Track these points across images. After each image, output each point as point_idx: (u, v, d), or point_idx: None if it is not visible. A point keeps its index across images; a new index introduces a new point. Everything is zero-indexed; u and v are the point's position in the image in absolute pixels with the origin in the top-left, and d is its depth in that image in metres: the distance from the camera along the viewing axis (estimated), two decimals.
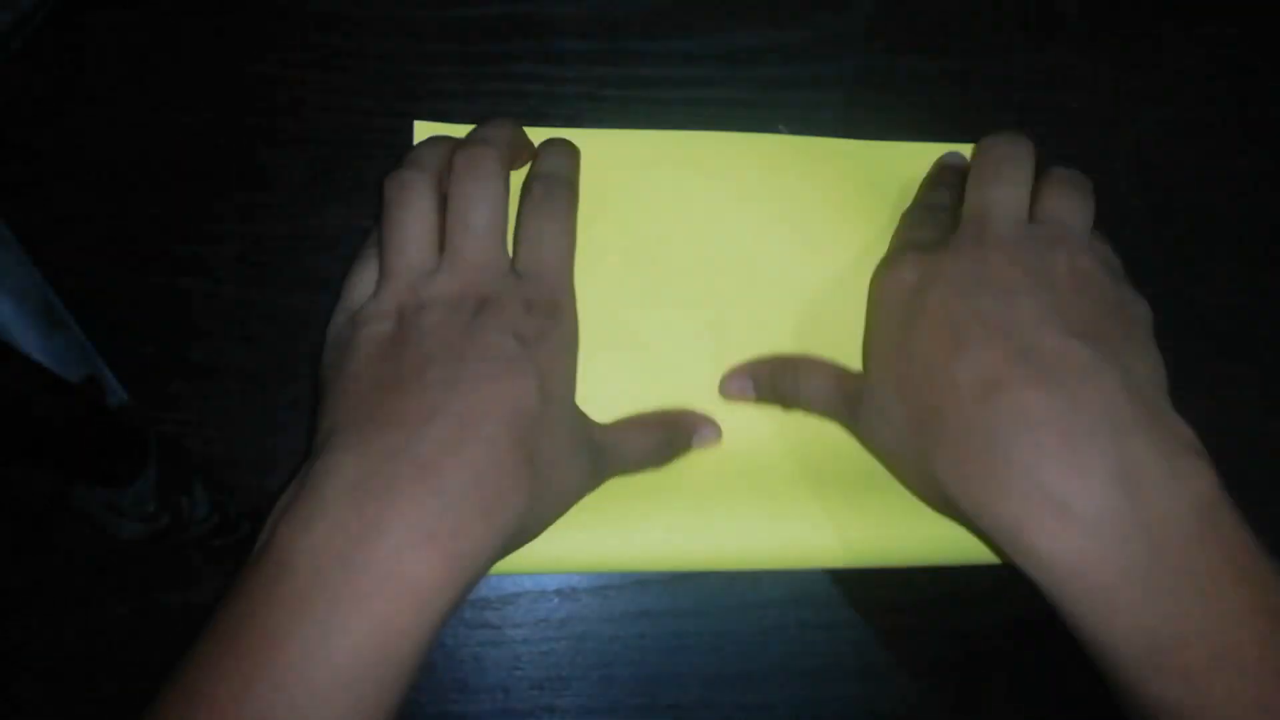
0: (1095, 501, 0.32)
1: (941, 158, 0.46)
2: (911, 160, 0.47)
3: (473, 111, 0.47)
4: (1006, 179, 0.40)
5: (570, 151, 0.43)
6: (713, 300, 0.45)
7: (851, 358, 0.43)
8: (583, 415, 0.39)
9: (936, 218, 0.43)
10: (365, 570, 0.31)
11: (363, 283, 0.40)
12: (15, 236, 0.44)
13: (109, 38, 0.46)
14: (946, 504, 0.36)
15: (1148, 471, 0.32)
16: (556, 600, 0.45)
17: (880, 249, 0.44)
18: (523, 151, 0.43)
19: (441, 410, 0.34)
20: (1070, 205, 0.40)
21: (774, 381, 0.43)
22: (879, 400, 0.39)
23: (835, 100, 0.48)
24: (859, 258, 0.45)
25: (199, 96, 0.46)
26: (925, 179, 0.46)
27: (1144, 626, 0.31)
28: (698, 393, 0.44)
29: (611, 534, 0.42)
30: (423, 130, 0.45)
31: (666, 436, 0.43)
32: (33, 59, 0.46)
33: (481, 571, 0.34)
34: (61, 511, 0.37)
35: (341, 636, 0.31)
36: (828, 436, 0.43)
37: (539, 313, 0.38)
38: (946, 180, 0.45)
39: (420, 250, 0.38)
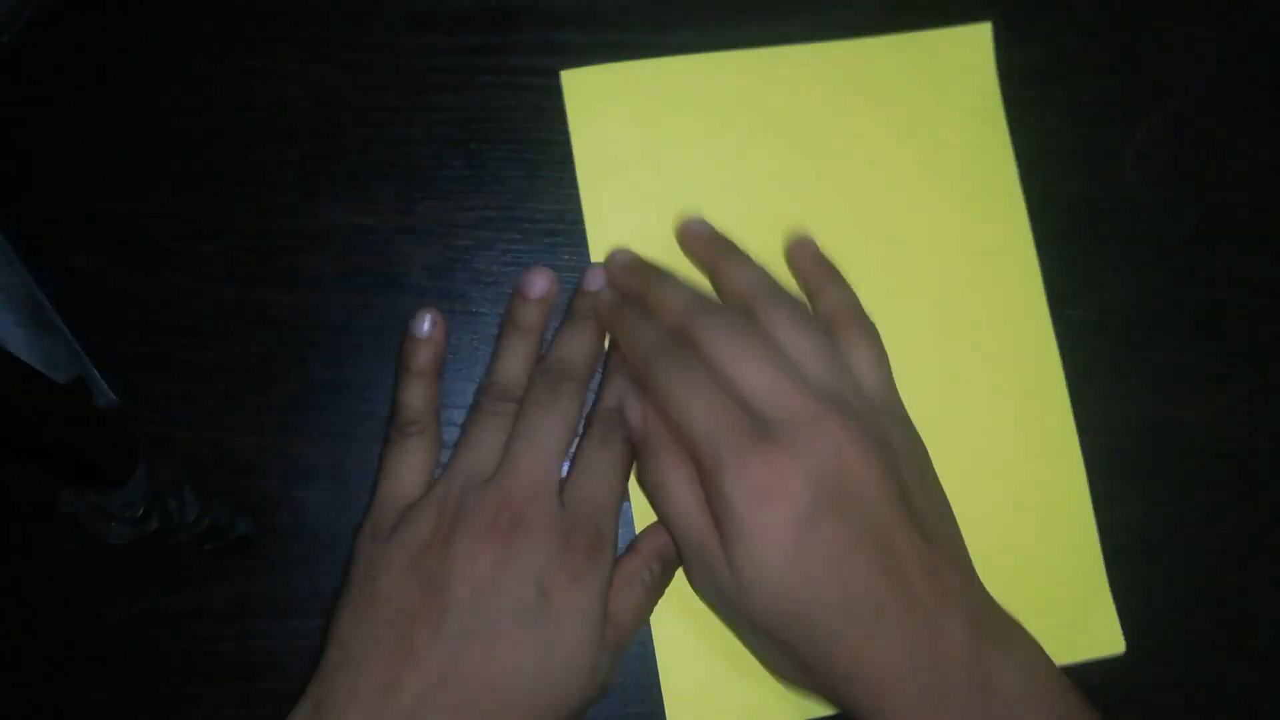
0: (947, 688, 0.36)
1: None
2: (925, 48, 0.48)
3: (468, 106, 0.46)
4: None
5: (636, 388, 0.43)
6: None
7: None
8: (598, 635, 0.39)
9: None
10: None
11: (407, 471, 0.42)
12: (2, 236, 0.44)
13: (97, 36, 0.46)
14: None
15: (986, 653, 0.36)
16: None
17: (903, 145, 0.46)
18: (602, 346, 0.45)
19: (448, 677, 0.36)
20: (833, 367, 0.40)
21: (646, 455, 0.42)
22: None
23: None
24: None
25: (189, 93, 0.46)
26: None
27: None
28: None
29: None
30: (570, 81, 0.46)
31: (666, 579, 0.43)
32: (19, 57, 0.45)
33: None
34: (51, 515, 0.37)
35: None
36: None
37: (576, 551, 0.38)
38: None
39: (484, 466, 0.40)
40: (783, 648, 0.38)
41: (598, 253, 0.46)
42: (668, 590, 0.43)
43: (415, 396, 0.42)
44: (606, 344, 0.45)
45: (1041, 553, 0.45)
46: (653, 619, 0.43)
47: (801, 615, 0.37)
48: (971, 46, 0.48)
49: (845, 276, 0.45)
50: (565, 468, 0.42)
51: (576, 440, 0.42)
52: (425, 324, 0.43)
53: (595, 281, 0.44)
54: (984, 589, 0.39)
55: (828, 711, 0.43)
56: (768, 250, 0.45)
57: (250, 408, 0.44)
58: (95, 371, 0.43)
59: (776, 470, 0.36)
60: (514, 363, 0.43)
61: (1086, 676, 0.41)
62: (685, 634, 0.43)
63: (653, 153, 0.47)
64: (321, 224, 0.45)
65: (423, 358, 0.43)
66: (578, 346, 0.43)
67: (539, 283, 0.44)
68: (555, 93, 0.47)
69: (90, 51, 0.46)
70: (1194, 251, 0.48)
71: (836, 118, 0.47)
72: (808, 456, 0.36)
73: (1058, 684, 0.37)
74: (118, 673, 0.43)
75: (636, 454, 0.42)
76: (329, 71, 0.46)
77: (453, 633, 0.37)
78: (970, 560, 0.40)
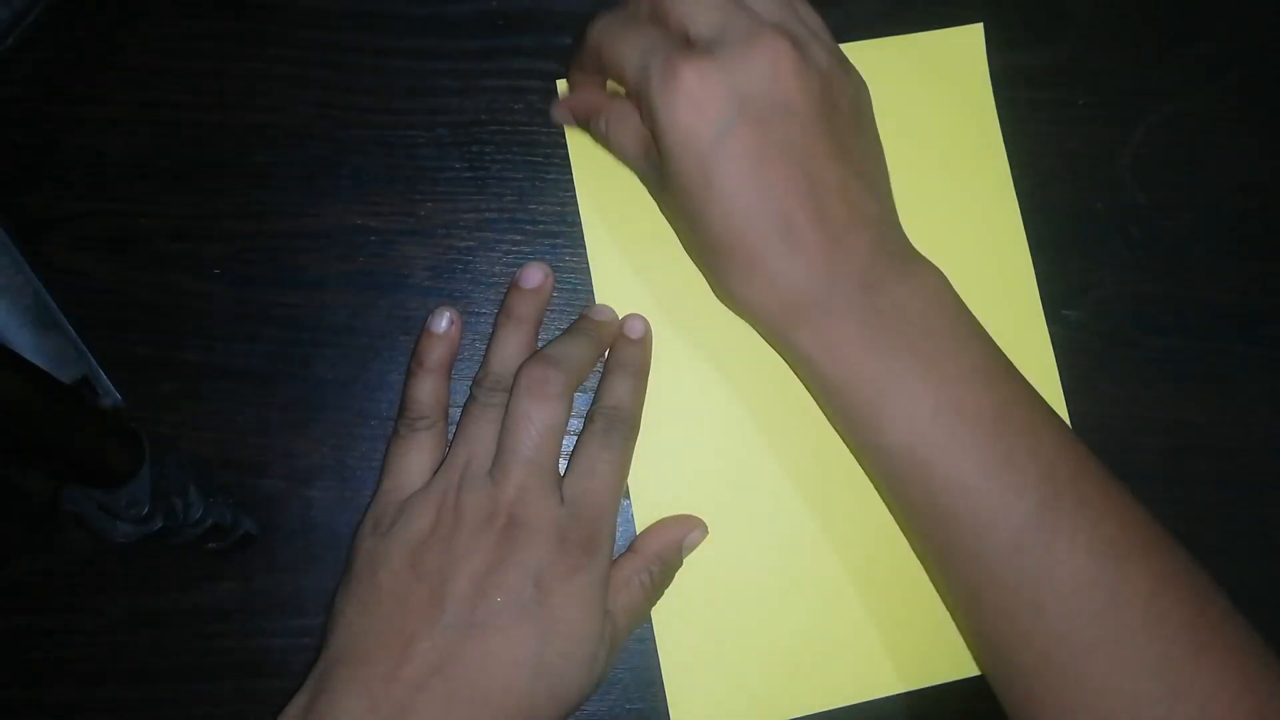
0: (843, 299, 0.38)
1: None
2: (917, 51, 0.48)
3: (470, 108, 0.46)
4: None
5: (638, 380, 0.44)
6: None
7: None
8: (596, 631, 0.39)
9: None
10: None
11: (412, 466, 0.42)
12: (9, 236, 0.44)
13: (103, 36, 0.46)
14: (719, 288, 0.41)
15: (886, 276, 0.38)
16: None
17: (896, 146, 0.45)
18: (597, 360, 0.45)
19: (446, 667, 0.37)
20: (808, 19, 0.40)
21: (591, 121, 0.43)
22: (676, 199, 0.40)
23: None
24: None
25: (195, 95, 0.46)
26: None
27: (876, 383, 0.38)
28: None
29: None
30: (566, 88, 0.46)
31: (665, 581, 0.43)
32: (26, 57, 0.45)
33: None
34: (56, 514, 0.37)
35: None
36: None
37: (573, 548, 0.39)
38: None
39: (481, 459, 0.41)
40: (708, 259, 0.40)
41: (596, 254, 0.46)
42: (670, 585, 0.43)
43: (425, 392, 0.43)
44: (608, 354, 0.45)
45: None
46: (654, 613, 0.44)
47: (718, 223, 0.38)
48: (964, 48, 0.49)
49: None
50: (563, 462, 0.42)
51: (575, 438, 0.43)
52: (443, 321, 0.44)
53: (635, 329, 0.45)
54: (897, 222, 0.41)
55: (829, 706, 0.44)
56: None
57: (254, 407, 0.44)
58: (100, 371, 0.43)
59: (703, 78, 0.36)
60: (508, 352, 0.43)
61: None
62: (687, 628, 0.44)
63: None
64: (325, 225, 0.46)
65: (437, 354, 0.43)
66: (574, 349, 0.43)
67: (534, 275, 0.44)
68: (556, 96, 0.47)
69: (98, 54, 0.46)
70: (1189, 253, 0.49)
71: None
72: (741, 69, 0.37)
73: (954, 307, 0.39)
74: (122, 671, 0.43)
75: (595, 124, 0.43)
76: (332, 74, 0.46)
77: (450, 626, 0.37)
78: (889, 192, 0.41)
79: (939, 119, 0.48)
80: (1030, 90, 0.49)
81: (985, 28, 0.49)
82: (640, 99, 0.38)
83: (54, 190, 0.45)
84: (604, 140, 0.43)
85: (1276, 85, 0.50)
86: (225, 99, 0.46)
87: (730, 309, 0.42)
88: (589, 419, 0.43)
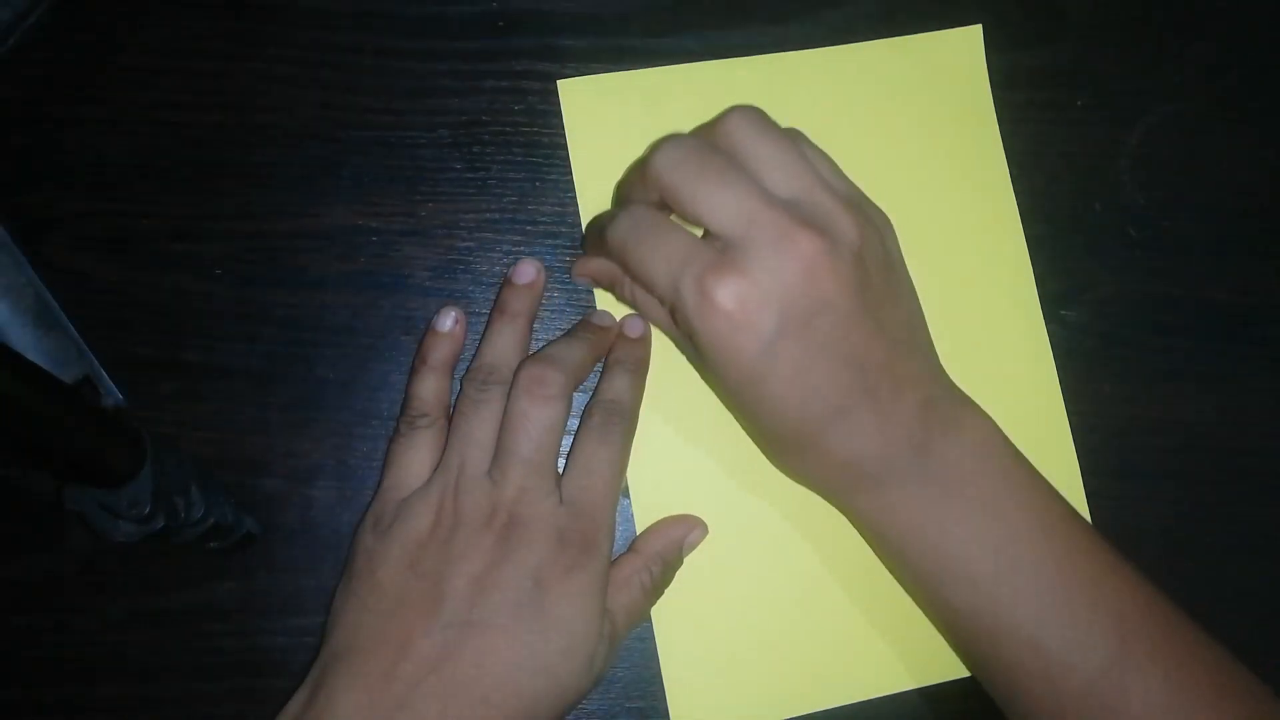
0: (897, 466, 0.38)
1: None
2: (916, 52, 0.48)
3: (470, 109, 0.47)
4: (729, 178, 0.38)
5: (635, 376, 0.44)
6: None
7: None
8: (595, 630, 0.39)
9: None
10: None
11: (412, 464, 0.42)
12: (10, 236, 0.44)
13: (104, 37, 0.46)
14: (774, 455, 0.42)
15: (936, 437, 0.39)
16: None
17: (896, 147, 0.46)
18: (596, 363, 0.45)
19: (443, 663, 0.37)
20: (796, 169, 0.39)
21: (618, 290, 0.43)
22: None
23: None
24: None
25: (196, 95, 0.46)
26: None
27: (936, 547, 0.39)
28: None
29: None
30: (567, 90, 0.47)
31: (666, 581, 0.43)
32: (27, 57, 0.46)
33: None
34: (57, 513, 0.37)
35: None
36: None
37: (571, 547, 0.39)
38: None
39: (479, 458, 0.41)
40: (761, 442, 0.42)
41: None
42: (670, 584, 0.43)
43: (428, 389, 0.43)
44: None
45: None
46: (653, 612, 0.44)
47: (770, 420, 0.39)
48: (963, 48, 0.49)
49: None
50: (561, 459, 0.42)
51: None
52: (449, 320, 0.44)
53: (634, 329, 0.45)
54: (941, 373, 0.41)
55: (828, 705, 0.44)
56: None
57: (255, 407, 0.44)
58: (102, 371, 0.43)
59: (741, 300, 0.36)
60: (500, 345, 0.43)
61: None
62: (686, 627, 0.44)
63: None
64: (326, 225, 0.46)
65: (441, 352, 0.43)
66: (573, 350, 0.43)
67: (526, 270, 0.45)
68: (556, 97, 0.47)
69: (99, 54, 0.46)
70: (1187, 253, 0.49)
71: (831, 122, 0.47)
72: (775, 279, 0.36)
73: (1007, 458, 0.40)
74: (123, 670, 0.43)
75: (619, 291, 0.43)
76: (333, 74, 0.47)
77: (449, 624, 0.37)
78: (929, 341, 0.41)
79: (938, 120, 0.48)
80: (1030, 90, 0.49)
81: (985, 28, 0.49)
82: (674, 312, 0.38)
83: (55, 190, 0.45)
84: (631, 305, 0.44)
85: (1276, 85, 0.51)
86: (226, 99, 0.46)
87: (786, 476, 0.43)
88: (586, 413, 0.43)
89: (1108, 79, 0.50)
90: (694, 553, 0.44)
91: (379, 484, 0.42)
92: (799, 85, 0.48)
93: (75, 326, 0.44)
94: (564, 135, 0.47)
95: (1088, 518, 0.46)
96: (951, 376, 0.44)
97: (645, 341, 0.45)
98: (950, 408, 0.40)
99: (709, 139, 0.39)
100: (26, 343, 0.43)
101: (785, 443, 0.40)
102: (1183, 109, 0.50)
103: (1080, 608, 0.37)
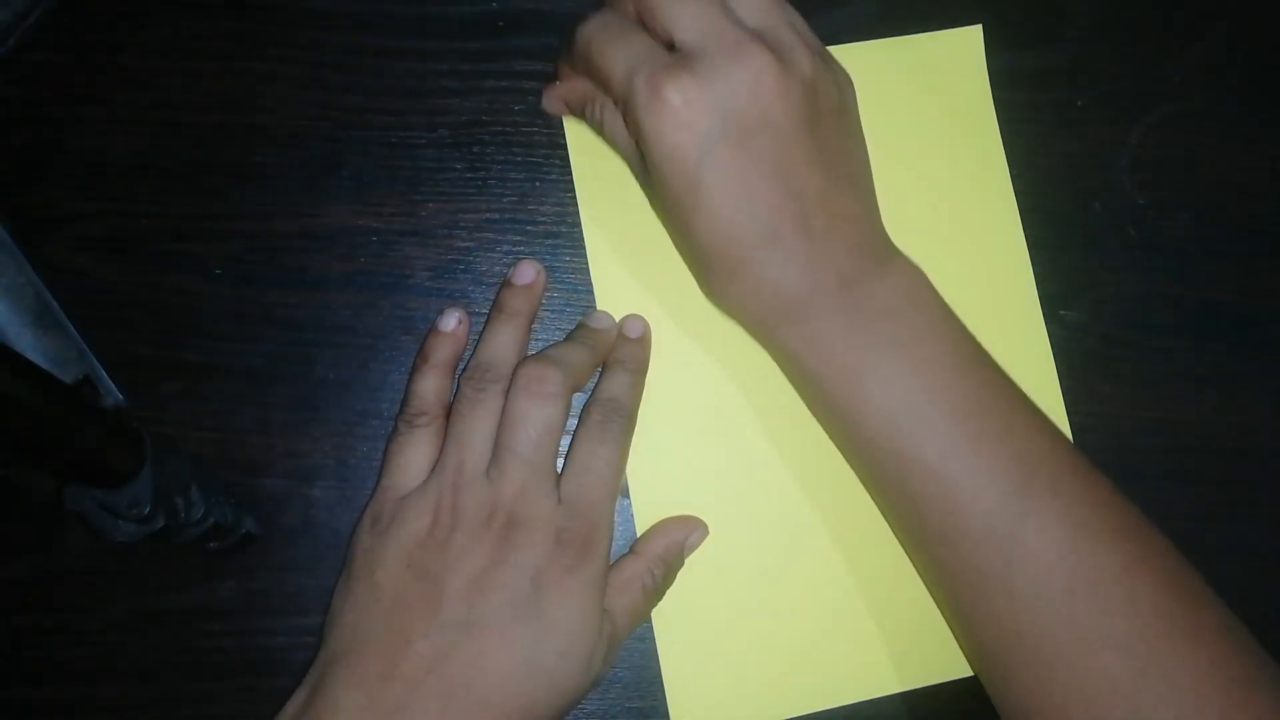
0: (824, 297, 0.39)
1: None
2: (916, 52, 0.48)
3: (470, 109, 0.47)
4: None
5: (635, 375, 0.44)
6: None
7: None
8: (594, 630, 0.39)
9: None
10: None
11: (410, 463, 0.42)
12: (11, 236, 0.44)
13: (104, 37, 0.46)
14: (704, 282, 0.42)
15: (865, 273, 0.39)
16: None
17: (895, 147, 0.46)
18: (597, 366, 0.45)
19: (442, 664, 0.37)
20: (767, 3, 0.40)
21: (585, 110, 0.44)
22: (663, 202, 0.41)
23: None
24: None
25: (196, 95, 0.46)
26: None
27: (853, 375, 0.39)
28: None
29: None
30: (572, 126, 0.46)
31: (667, 583, 0.43)
32: (27, 57, 0.46)
33: None
34: (57, 514, 0.37)
35: None
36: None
37: (569, 547, 0.39)
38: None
39: (477, 457, 0.41)
40: (695, 263, 0.42)
41: (596, 254, 0.46)
42: (671, 585, 0.44)
43: (428, 388, 0.43)
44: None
45: None
46: (654, 613, 0.44)
47: (704, 233, 0.39)
48: (963, 49, 0.49)
49: None
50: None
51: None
52: (452, 320, 0.44)
53: (634, 329, 0.45)
54: (878, 219, 0.42)
55: (828, 705, 0.44)
56: None
57: (256, 407, 0.44)
58: (102, 371, 0.43)
59: (686, 97, 0.37)
60: (499, 344, 0.43)
61: None
62: (687, 628, 0.44)
63: None
64: (326, 225, 0.46)
65: (443, 351, 0.44)
66: (573, 352, 0.43)
67: (526, 272, 0.45)
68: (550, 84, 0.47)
69: (100, 54, 0.46)
70: (1187, 253, 0.49)
71: None
72: (723, 84, 0.37)
73: (931, 301, 0.41)
74: (123, 670, 0.43)
75: (590, 113, 0.43)
76: (333, 75, 0.47)
77: (447, 625, 0.37)
78: (871, 188, 0.42)
79: (937, 120, 0.48)
80: (1030, 90, 0.49)
81: (985, 27, 0.49)
82: (625, 110, 0.39)
83: (55, 190, 0.45)
84: (597, 129, 0.44)
85: (1276, 85, 0.51)
86: (227, 99, 0.46)
87: (716, 307, 0.43)
88: (585, 412, 0.43)
89: (1108, 79, 0.50)
90: (694, 553, 0.44)
91: (377, 483, 0.42)
92: None
93: (75, 326, 0.44)
94: (564, 135, 0.47)
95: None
96: None
97: (645, 342, 0.45)
98: (882, 249, 0.41)
99: None
100: (26, 343, 0.43)
101: (716, 262, 0.40)
102: (1183, 109, 0.50)
103: (984, 441, 0.38)
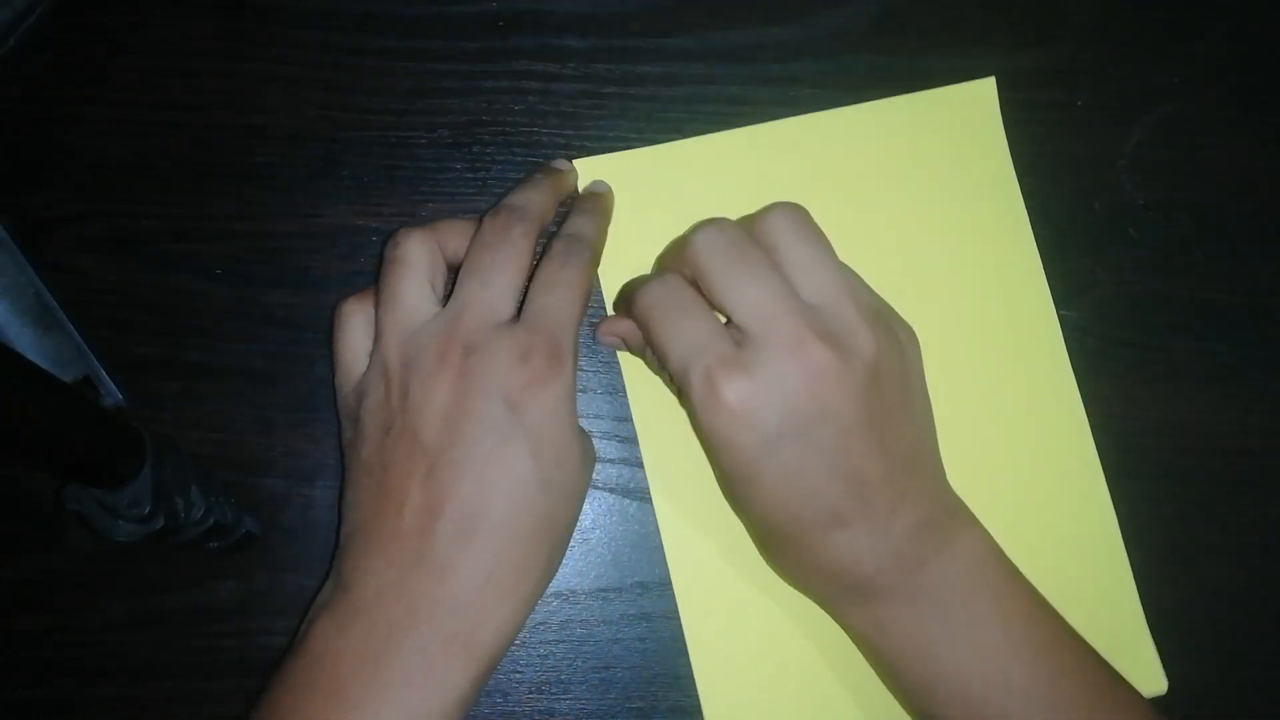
0: (889, 582, 0.38)
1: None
2: (930, 108, 0.48)
3: (470, 109, 0.47)
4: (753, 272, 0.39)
5: (598, 218, 0.44)
6: None
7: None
8: (581, 436, 0.39)
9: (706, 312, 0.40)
10: (392, 666, 0.36)
11: (353, 345, 0.41)
12: (11, 236, 0.44)
13: (105, 37, 0.46)
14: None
15: (931, 554, 0.38)
16: (556, 603, 0.44)
17: (915, 205, 0.46)
18: (564, 194, 0.44)
19: (445, 505, 0.37)
20: (826, 276, 0.39)
21: (642, 351, 0.43)
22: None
23: (836, 98, 0.48)
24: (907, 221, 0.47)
25: (196, 95, 0.46)
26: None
27: (926, 663, 0.39)
28: None
29: None
30: (583, 170, 0.46)
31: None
32: (27, 57, 0.46)
33: (506, 647, 0.38)
34: (58, 513, 0.37)
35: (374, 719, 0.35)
36: None
37: (536, 362, 0.38)
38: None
39: (415, 306, 0.39)
40: (755, 535, 0.42)
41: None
42: (701, 600, 0.44)
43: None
44: None
45: (1072, 586, 0.43)
46: (686, 626, 0.44)
47: (764, 517, 0.39)
48: (976, 102, 0.48)
49: None
50: None
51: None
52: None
53: (599, 186, 0.46)
54: (944, 492, 0.40)
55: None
56: None
57: (256, 407, 0.44)
58: (102, 371, 0.43)
59: (743, 399, 0.37)
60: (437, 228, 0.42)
61: None
62: (720, 642, 0.44)
63: (666, 236, 0.45)
64: (326, 225, 0.46)
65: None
66: (532, 196, 0.42)
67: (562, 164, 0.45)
68: (555, 96, 0.47)
69: (99, 54, 0.46)
70: (1187, 253, 0.49)
71: (845, 183, 0.47)
72: (782, 381, 0.37)
73: (1000, 577, 0.39)
74: (124, 670, 0.43)
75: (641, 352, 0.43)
76: (334, 75, 0.47)
77: (434, 467, 0.37)
78: (937, 459, 0.41)
79: (955, 176, 0.48)
80: (1029, 90, 0.49)
81: (984, 27, 0.49)
82: (681, 395, 0.39)
83: (56, 190, 0.45)
84: (654, 371, 0.44)
85: (1276, 85, 0.51)
86: (227, 100, 0.46)
87: (779, 577, 0.42)
88: (547, 247, 0.41)
89: (1108, 79, 0.50)
90: (728, 565, 0.44)
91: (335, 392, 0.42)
92: (811, 148, 0.47)
93: (75, 326, 0.44)
94: (564, 135, 0.47)
95: (1142, 625, 0.45)
96: (971, 408, 0.44)
97: (609, 195, 0.45)
98: (948, 521, 0.39)
99: (751, 230, 0.40)
100: (26, 343, 0.43)
101: (776, 543, 0.40)
102: (1183, 109, 0.50)
103: None
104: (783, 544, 0.40)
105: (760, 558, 0.43)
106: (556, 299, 0.39)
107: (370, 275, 0.45)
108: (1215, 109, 0.50)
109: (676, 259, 0.41)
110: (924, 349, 0.42)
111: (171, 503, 0.38)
